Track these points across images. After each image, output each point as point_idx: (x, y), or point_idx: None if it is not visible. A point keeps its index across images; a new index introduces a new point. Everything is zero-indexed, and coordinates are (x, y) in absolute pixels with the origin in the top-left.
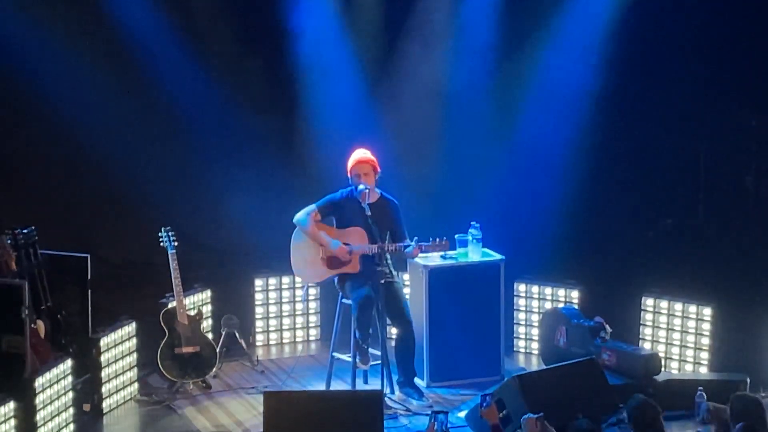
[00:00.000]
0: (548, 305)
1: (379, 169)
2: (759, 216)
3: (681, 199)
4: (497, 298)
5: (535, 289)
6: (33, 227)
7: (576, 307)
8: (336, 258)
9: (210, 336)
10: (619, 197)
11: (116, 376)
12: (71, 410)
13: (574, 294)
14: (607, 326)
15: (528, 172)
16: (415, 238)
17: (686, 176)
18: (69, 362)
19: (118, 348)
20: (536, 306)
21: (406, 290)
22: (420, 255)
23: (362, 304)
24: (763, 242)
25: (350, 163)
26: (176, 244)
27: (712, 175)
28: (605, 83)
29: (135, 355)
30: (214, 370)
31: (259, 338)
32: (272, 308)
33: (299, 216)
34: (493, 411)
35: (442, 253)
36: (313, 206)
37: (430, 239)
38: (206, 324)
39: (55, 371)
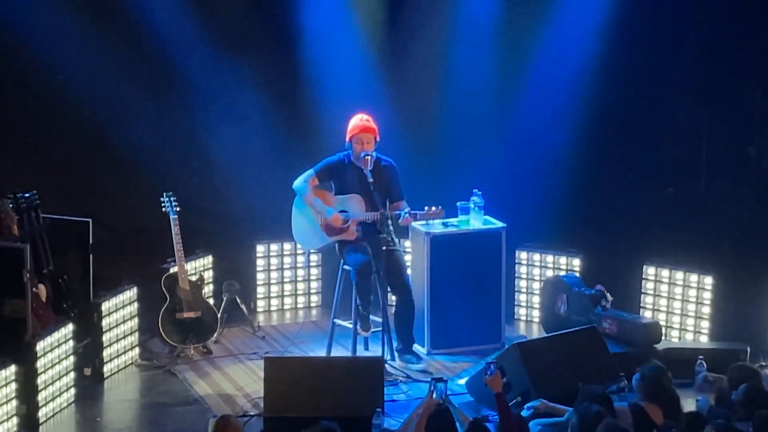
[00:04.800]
0: (549, 273)
1: (378, 138)
2: (760, 185)
3: (683, 168)
4: (499, 265)
5: (536, 256)
6: (35, 191)
7: (577, 275)
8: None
9: (211, 301)
10: (621, 166)
11: (117, 341)
12: (72, 374)
13: (576, 262)
14: (608, 294)
15: (530, 141)
16: (408, 208)
17: (688, 145)
18: (70, 326)
19: (120, 313)
20: (537, 274)
21: (408, 257)
22: (416, 222)
23: (361, 271)
24: (765, 212)
25: (351, 130)
26: (178, 209)
27: (714, 145)
28: (608, 53)
29: (136, 319)
30: (215, 335)
31: (261, 304)
32: (274, 274)
33: (297, 183)
34: (497, 379)
35: (442, 220)
36: (310, 171)
37: (424, 207)
38: (207, 289)
39: (56, 335)
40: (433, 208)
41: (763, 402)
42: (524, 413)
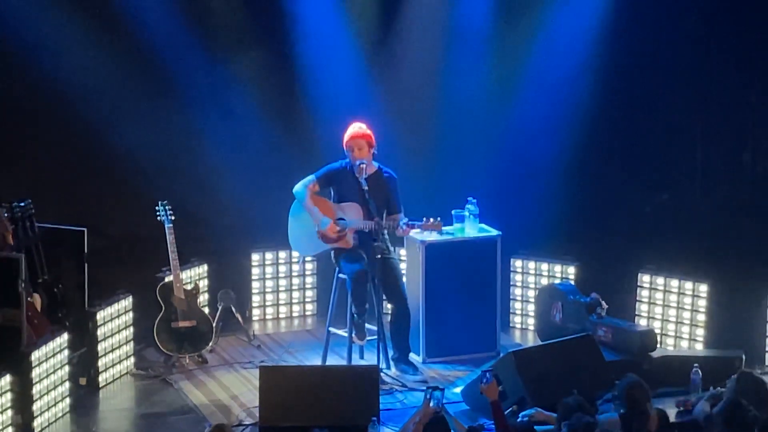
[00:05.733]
0: (544, 281)
1: (374, 143)
2: (755, 193)
3: (678, 175)
4: (494, 273)
5: (531, 264)
6: (30, 200)
7: (572, 283)
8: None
9: (206, 310)
10: (615, 173)
11: (112, 350)
12: (67, 384)
13: (571, 270)
14: (603, 302)
15: (525, 148)
16: (405, 219)
17: (683, 152)
18: (65, 336)
19: (115, 322)
20: (532, 282)
21: (403, 265)
22: (413, 232)
23: (356, 279)
24: (759, 219)
25: (345, 137)
26: (173, 218)
27: (709, 152)
28: (602, 60)
29: (131, 329)
30: (210, 344)
31: (256, 313)
32: (269, 283)
33: (297, 188)
34: (493, 387)
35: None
36: (311, 177)
37: (423, 218)
38: (203, 298)
39: (51, 345)
40: (431, 220)
41: (741, 420)
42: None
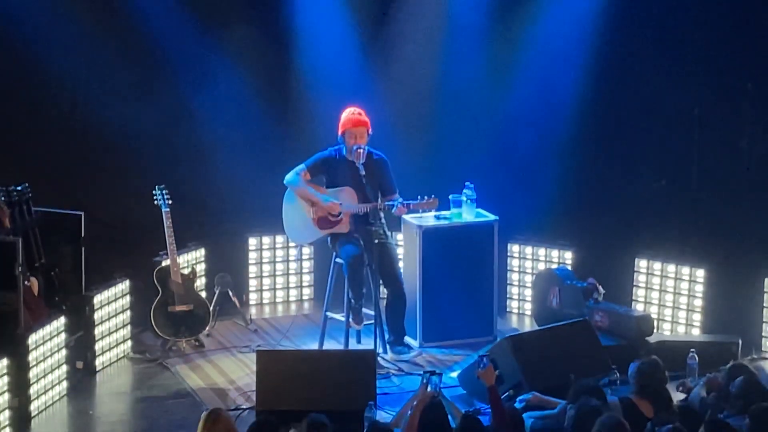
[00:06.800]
0: (541, 266)
1: (371, 131)
2: (752, 179)
3: (675, 160)
4: (491, 258)
5: (528, 249)
6: (27, 184)
7: (569, 268)
8: (326, 218)
9: (203, 294)
10: (612, 158)
11: (109, 334)
12: (64, 367)
13: (568, 255)
14: (600, 287)
15: (522, 133)
16: (400, 198)
17: (680, 138)
18: (62, 320)
19: (112, 306)
20: (529, 267)
21: (400, 250)
22: (408, 213)
23: (353, 264)
24: (756, 205)
25: (344, 124)
26: (170, 202)
27: (706, 137)
28: (600, 46)
29: (128, 313)
30: (207, 328)
31: (253, 297)
32: (266, 267)
33: (289, 176)
34: (490, 372)
35: (434, 212)
36: (302, 165)
37: (418, 197)
38: (200, 282)
39: (48, 328)
40: (426, 198)
41: (759, 396)
42: (516, 406)
